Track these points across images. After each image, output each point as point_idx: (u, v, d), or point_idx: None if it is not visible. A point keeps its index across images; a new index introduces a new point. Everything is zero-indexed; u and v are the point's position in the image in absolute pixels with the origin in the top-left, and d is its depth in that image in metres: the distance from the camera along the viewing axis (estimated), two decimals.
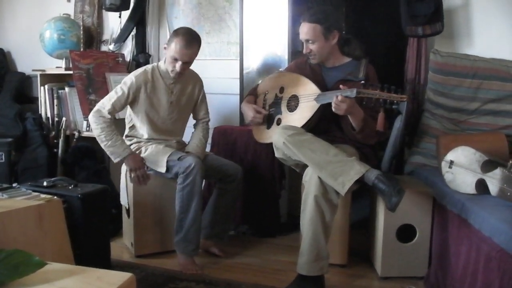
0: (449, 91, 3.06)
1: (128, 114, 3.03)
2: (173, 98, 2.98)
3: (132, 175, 2.83)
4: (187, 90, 3.05)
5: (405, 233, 2.67)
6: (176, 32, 2.82)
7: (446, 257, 2.49)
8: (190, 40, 2.79)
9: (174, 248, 2.87)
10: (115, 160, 2.82)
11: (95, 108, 2.84)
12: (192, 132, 3.19)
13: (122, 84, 2.88)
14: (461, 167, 2.46)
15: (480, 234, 2.10)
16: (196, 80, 3.10)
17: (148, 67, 2.96)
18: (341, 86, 2.57)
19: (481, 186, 2.37)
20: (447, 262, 2.46)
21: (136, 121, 2.99)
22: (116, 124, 2.88)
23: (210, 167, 2.93)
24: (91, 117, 2.82)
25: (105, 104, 2.83)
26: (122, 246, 3.18)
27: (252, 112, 2.97)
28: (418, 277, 2.68)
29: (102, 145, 2.82)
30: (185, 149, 3.03)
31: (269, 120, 2.96)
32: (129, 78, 2.88)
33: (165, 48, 2.88)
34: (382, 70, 2.99)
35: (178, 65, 2.81)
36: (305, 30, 2.73)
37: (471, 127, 3.05)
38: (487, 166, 2.36)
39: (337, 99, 2.48)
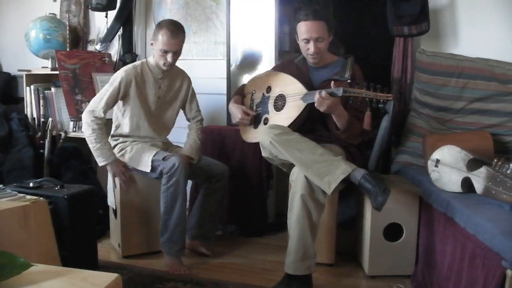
0: (435, 90, 3.08)
1: (115, 112, 3.02)
2: (161, 92, 2.99)
3: (118, 180, 2.87)
4: (175, 86, 3.05)
5: (392, 232, 2.69)
6: (160, 25, 2.84)
7: (432, 255, 2.51)
8: (175, 30, 2.81)
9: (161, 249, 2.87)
10: (100, 163, 2.84)
11: (88, 108, 2.84)
12: (187, 134, 3.19)
13: (112, 80, 2.87)
14: (447, 165, 2.48)
15: (465, 232, 2.12)
16: (184, 77, 3.10)
17: (137, 62, 2.97)
18: (332, 84, 2.57)
19: (467, 184, 2.39)
20: (434, 260, 2.48)
21: (122, 118, 2.98)
22: (106, 125, 2.89)
23: (196, 167, 2.93)
24: (84, 117, 2.83)
25: (97, 103, 2.83)
26: (109, 247, 3.16)
27: (240, 114, 2.96)
28: (405, 276, 2.70)
29: (90, 146, 2.84)
30: (180, 152, 3.00)
31: (256, 120, 2.96)
32: (119, 73, 2.88)
33: (152, 44, 2.89)
34: (369, 70, 3.00)
35: (169, 56, 2.82)
36: (315, 27, 2.65)
37: (457, 126, 3.07)
38: (473, 164, 2.39)
39: (320, 95, 2.48)
